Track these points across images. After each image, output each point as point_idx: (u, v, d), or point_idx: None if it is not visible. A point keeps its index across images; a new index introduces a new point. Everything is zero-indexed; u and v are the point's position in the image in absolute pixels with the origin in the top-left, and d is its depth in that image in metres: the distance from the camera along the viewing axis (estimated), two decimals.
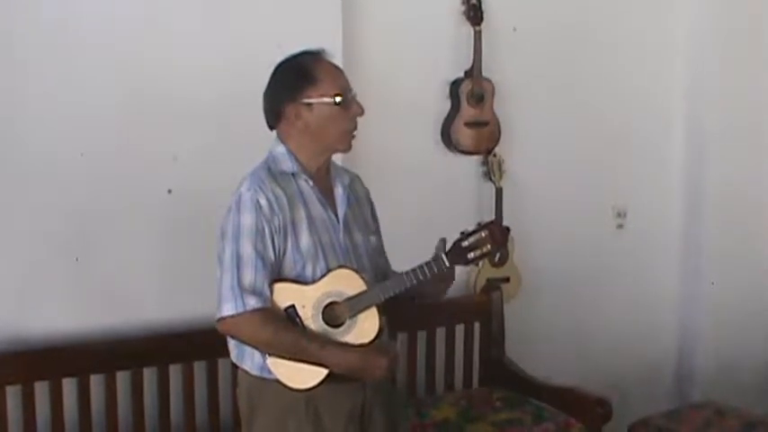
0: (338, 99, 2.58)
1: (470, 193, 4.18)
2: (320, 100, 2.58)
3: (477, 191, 4.19)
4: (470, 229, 2.66)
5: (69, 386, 3.32)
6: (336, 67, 2.65)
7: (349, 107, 2.61)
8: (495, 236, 2.65)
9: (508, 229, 2.74)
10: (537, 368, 3.99)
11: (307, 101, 2.58)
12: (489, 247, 2.64)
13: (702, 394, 4.48)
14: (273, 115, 2.65)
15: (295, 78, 2.60)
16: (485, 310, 4.07)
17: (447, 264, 2.62)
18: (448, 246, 2.65)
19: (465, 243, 2.63)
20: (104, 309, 3.41)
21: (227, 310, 2.48)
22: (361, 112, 2.65)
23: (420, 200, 4.01)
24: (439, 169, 4.09)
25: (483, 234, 2.63)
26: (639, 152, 4.56)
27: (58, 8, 3.26)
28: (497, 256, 4.11)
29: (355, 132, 2.67)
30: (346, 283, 2.56)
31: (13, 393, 3.24)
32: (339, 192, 2.69)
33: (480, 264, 3.95)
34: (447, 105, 4.06)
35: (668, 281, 4.69)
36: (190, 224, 3.44)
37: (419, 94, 3.98)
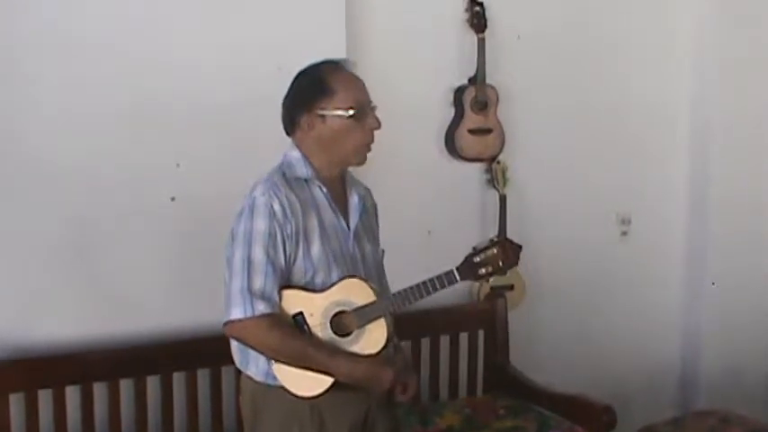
0: (351, 112, 2.56)
1: (474, 201, 4.18)
2: (333, 112, 2.57)
3: (480, 198, 4.19)
4: (483, 245, 2.68)
5: (72, 394, 3.31)
6: (355, 79, 2.63)
7: (364, 120, 2.59)
8: (507, 253, 2.66)
9: (520, 247, 2.73)
10: (541, 375, 3.97)
11: (320, 112, 2.57)
12: (500, 264, 2.65)
13: (707, 402, 4.46)
14: (289, 123, 2.64)
15: (311, 88, 2.59)
16: (489, 317, 4.06)
17: (458, 278, 2.61)
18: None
19: (476, 259, 2.64)
20: (107, 316, 3.40)
21: (236, 313, 2.47)
22: (378, 126, 2.62)
23: (423, 206, 4.01)
24: (442, 176, 4.08)
25: (495, 250, 2.65)
26: (643, 159, 4.55)
27: (61, 16, 3.26)
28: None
29: (372, 146, 2.65)
30: (356, 292, 2.55)
31: (16, 401, 3.22)
32: (354, 201, 2.69)
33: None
34: (451, 112, 4.06)
35: (672, 288, 4.67)
36: (193, 231, 3.43)
37: (423, 101, 3.98)
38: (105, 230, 3.39)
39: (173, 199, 3.47)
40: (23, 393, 3.23)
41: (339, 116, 2.57)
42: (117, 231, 3.40)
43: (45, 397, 3.26)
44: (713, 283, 4.57)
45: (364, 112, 2.59)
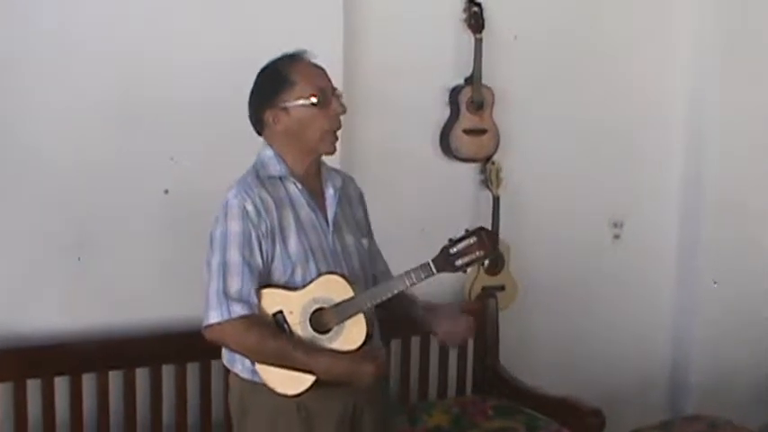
0: (314, 100, 2.57)
1: (468, 201, 4.18)
2: (296, 102, 2.57)
3: (474, 198, 4.19)
4: (458, 235, 2.60)
5: (61, 384, 3.31)
6: (315, 67, 2.63)
7: (327, 107, 2.59)
8: (484, 242, 2.57)
9: (497, 235, 2.72)
10: (531, 377, 3.98)
11: (283, 105, 2.58)
12: (478, 253, 2.57)
13: (696, 407, 4.47)
14: (257, 122, 2.66)
15: (271, 83, 2.61)
16: (479, 317, 4.04)
17: (434, 270, 2.56)
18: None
19: (453, 250, 2.57)
20: (99, 308, 3.40)
21: (213, 317, 2.49)
22: (343, 111, 2.62)
23: (417, 205, 4.01)
24: (437, 176, 4.08)
25: (471, 240, 2.57)
26: (638, 162, 4.56)
27: (58, 9, 3.25)
28: (486, 262, 4.05)
29: (339, 132, 2.64)
30: (334, 289, 2.54)
31: (4, 390, 3.23)
32: (330, 193, 2.68)
33: (469, 269, 3.91)
34: (446, 112, 4.06)
35: (664, 292, 4.68)
36: (186, 225, 3.42)
37: (419, 100, 3.97)
38: (98, 222, 3.39)
39: (166, 192, 3.47)
40: (12, 383, 3.23)
41: (302, 105, 2.57)
42: (110, 223, 3.40)
43: (34, 387, 3.26)
44: (715, 283, 4.58)
45: (327, 99, 2.59)
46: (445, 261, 2.57)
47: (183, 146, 3.46)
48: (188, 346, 3.39)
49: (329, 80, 2.63)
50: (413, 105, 3.95)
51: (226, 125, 3.46)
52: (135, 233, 3.44)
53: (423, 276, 2.57)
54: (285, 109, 2.58)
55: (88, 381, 3.35)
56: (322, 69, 2.64)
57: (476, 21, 4.00)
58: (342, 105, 2.62)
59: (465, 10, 4.02)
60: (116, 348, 3.38)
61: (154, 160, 3.44)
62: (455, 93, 4.04)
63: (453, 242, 2.58)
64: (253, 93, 2.65)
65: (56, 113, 3.28)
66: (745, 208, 4.60)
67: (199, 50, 3.45)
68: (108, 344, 3.37)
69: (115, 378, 3.40)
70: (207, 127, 3.47)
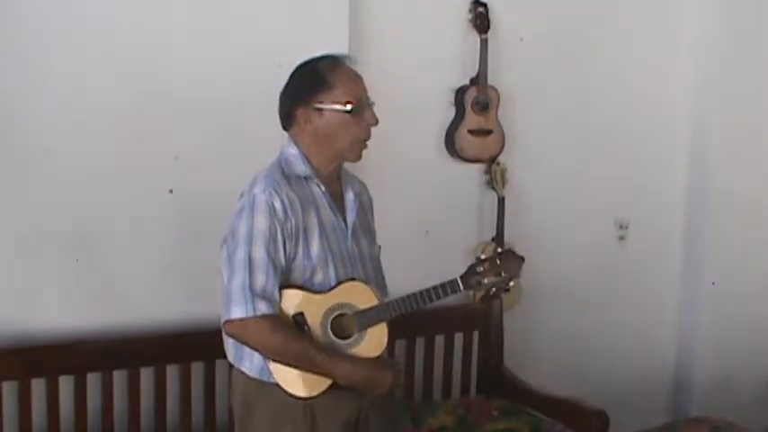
0: (349, 107, 2.56)
1: (472, 202, 4.18)
2: (331, 106, 2.56)
3: (479, 199, 4.18)
4: (486, 255, 2.69)
5: (66, 384, 3.31)
6: (354, 74, 2.62)
7: (361, 116, 2.58)
8: (510, 263, 2.68)
9: (523, 259, 2.74)
10: (535, 378, 3.97)
11: (318, 106, 2.56)
12: (504, 274, 2.68)
13: (700, 409, 4.47)
14: (286, 118, 2.63)
15: (309, 82, 2.59)
16: (484, 318, 4.05)
17: (461, 287, 2.62)
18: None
19: (479, 268, 2.65)
20: (103, 307, 3.40)
21: (237, 312, 2.44)
22: (375, 122, 2.61)
23: (421, 206, 4.00)
24: (441, 176, 4.08)
25: (498, 261, 2.66)
26: (642, 164, 4.55)
27: (60, 7, 3.25)
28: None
29: (368, 143, 2.64)
30: (358, 296, 2.55)
31: (9, 390, 3.23)
32: (350, 198, 2.68)
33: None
34: (451, 112, 4.06)
35: (668, 294, 4.68)
36: (191, 225, 3.43)
37: (424, 100, 3.97)
38: (103, 222, 3.38)
39: (171, 191, 3.46)
40: (17, 382, 3.23)
41: (337, 110, 2.56)
42: (114, 223, 3.40)
43: (38, 386, 3.26)
44: (713, 283, 4.57)
45: (362, 108, 2.58)
46: (472, 279, 2.65)
47: (188, 145, 3.46)
48: (192, 346, 3.42)
49: (365, 89, 2.62)
50: (418, 105, 3.94)
51: (230, 124, 3.48)
52: (140, 232, 3.43)
53: (450, 291, 2.62)
54: (319, 110, 2.57)
55: (93, 380, 3.35)
56: (360, 78, 2.64)
57: (481, 21, 3.99)
58: (375, 117, 2.61)
59: (471, 10, 4.02)
60: (121, 348, 3.38)
61: (158, 159, 3.43)
62: (460, 93, 4.03)
63: (481, 261, 2.66)
64: (288, 88, 2.63)
65: (58, 113, 3.27)
66: (749, 209, 4.59)
67: (202, 51, 3.44)
68: (112, 343, 3.37)
69: (119, 377, 3.39)
70: (211, 126, 3.46)
